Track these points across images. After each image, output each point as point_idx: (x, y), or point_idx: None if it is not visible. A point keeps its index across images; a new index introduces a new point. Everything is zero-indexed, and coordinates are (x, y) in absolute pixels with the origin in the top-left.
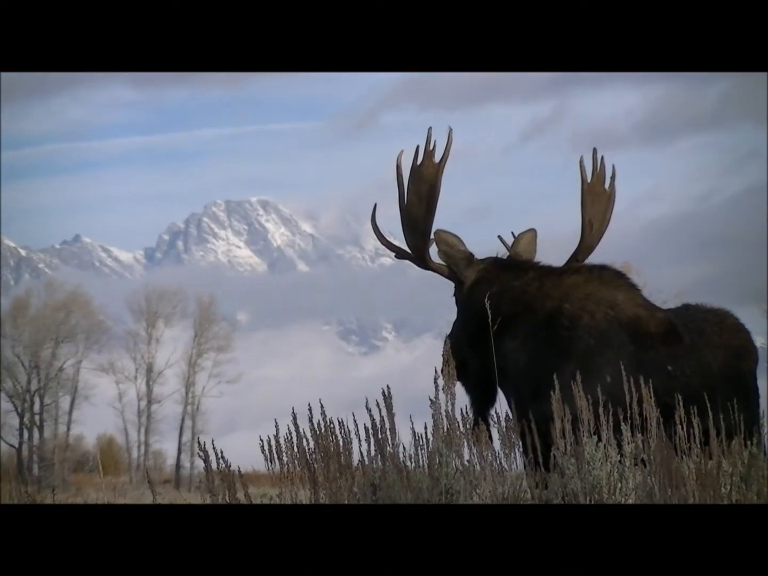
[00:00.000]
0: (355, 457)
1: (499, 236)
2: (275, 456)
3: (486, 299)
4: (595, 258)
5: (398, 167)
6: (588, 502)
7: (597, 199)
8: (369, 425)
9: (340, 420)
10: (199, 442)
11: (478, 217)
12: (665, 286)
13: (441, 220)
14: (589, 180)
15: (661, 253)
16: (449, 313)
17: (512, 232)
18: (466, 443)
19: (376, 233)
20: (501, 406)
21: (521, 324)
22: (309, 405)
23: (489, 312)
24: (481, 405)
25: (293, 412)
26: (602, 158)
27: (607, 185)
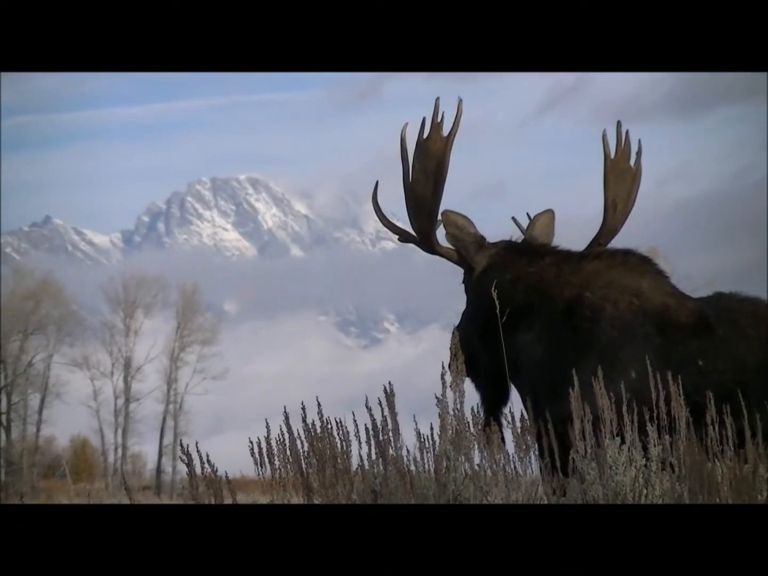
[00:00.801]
0: (354, 461)
1: (513, 218)
2: (266, 460)
3: (497, 287)
4: (618, 242)
5: (402, 141)
6: None
7: (621, 177)
8: (369, 426)
9: (338, 420)
10: (181, 445)
11: (491, 197)
12: (695, 272)
13: (449, 200)
14: (612, 156)
15: (691, 236)
16: (458, 302)
17: (527, 213)
18: (476, 445)
19: (377, 214)
20: (515, 404)
21: (537, 314)
22: (303, 403)
23: (498, 302)
24: (493, 403)
25: (285, 412)
26: (627, 132)
27: (632, 162)
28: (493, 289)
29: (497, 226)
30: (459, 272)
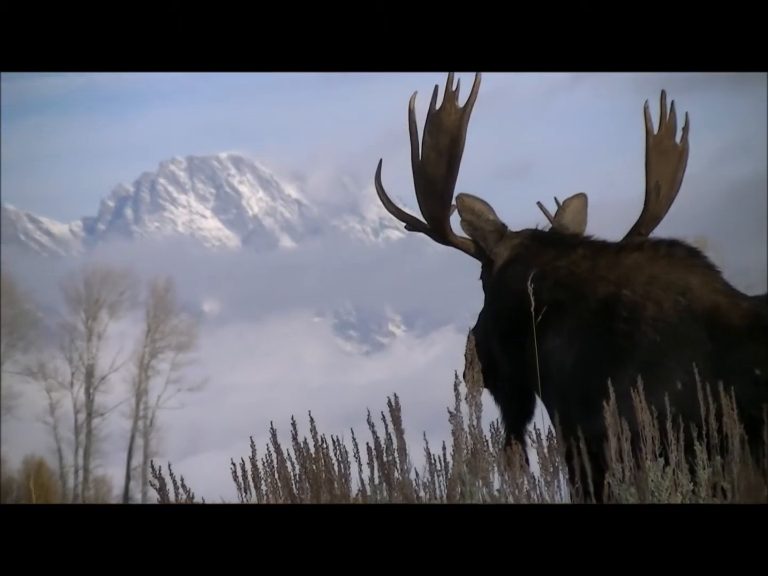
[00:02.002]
0: (354, 486)
1: (538, 203)
2: (251, 484)
3: (520, 283)
4: (662, 231)
5: (411, 113)
6: None
7: (665, 155)
8: (371, 445)
9: (335, 438)
10: (152, 467)
11: (514, 178)
12: (752, 267)
13: (466, 182)
14: (655, 132)
15: (747, 225)
16: (474, 301)
17: (555, 198)
18: (495, 468)
19: (381, 198)
20: (542, 419)
21: (567, 315)
22: (294, 419)
23: (524, 300)
24: (516, 419)
25: (273, 428)
26: (673, 103)
27: (678, 138)
28: (529, 283)
29: (521, 213)
30: (476, 266)
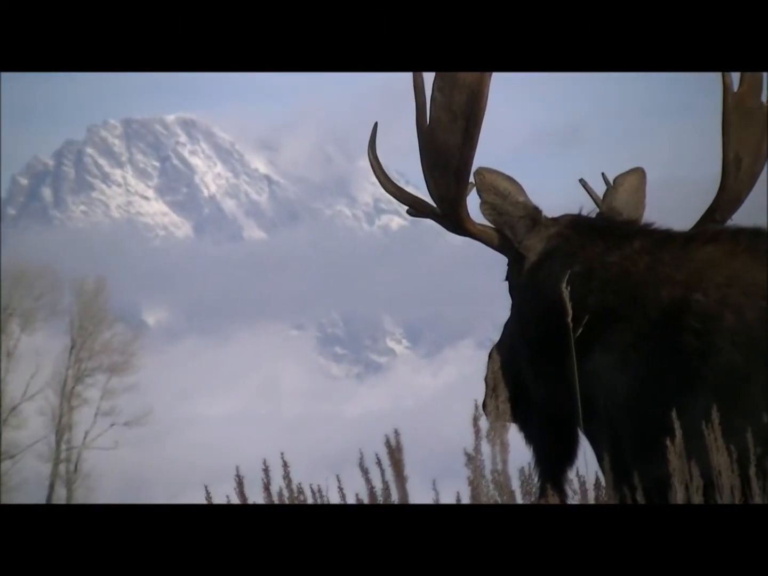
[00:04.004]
0: None
1: (581, 180)
2: None
3: (557, 285)
4: (742, 217)
5: None
6: None
7: (748, 119)
8: (364, 496)
9: (315, 488)
10: None
11: (554, 148)
12: None
13: (488, 154)
14: (735, 89)
15: None
16: (499, 308)
17: (603, 175)
18: None
19: (376, 174)
20: (585, 463)
21: (620, 327)
22: (265, 462)
23: (569, 304)
24: (553, 461)
25: (239, 474)
26: None
27: (765, 97)
28: (565, 285)
29: (561, 192)
30: (501, 263)
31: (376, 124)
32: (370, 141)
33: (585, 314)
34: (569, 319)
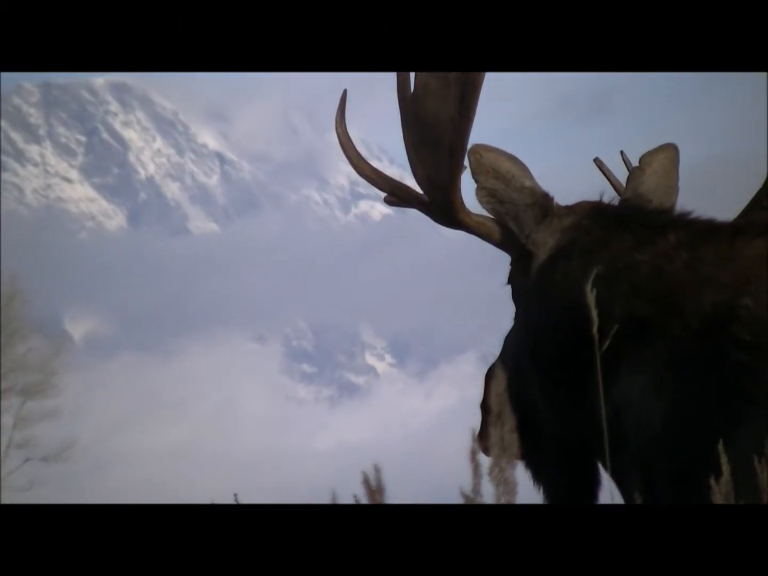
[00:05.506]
0: None
1: (596, 159)
2: None
3: (578, 290)
4: None
5: None
6: None
7: None
8: None
9: None
10: None
11: (573, 118)
12: None
13: (491, 128)
14: None
15: None
16: (503, 317)
17: (622, 153)
18: None
19: (347, 153)
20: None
21: (654, 341)
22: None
23: (594, 312)
24: (569, 504)
25: None
26: None
27: None
28: (590, 288)
29: (576, 173)
30: (503, 261)
31: (345, 92)
32: (338, 111)
33: (610, 326)
34: (595, 331)
